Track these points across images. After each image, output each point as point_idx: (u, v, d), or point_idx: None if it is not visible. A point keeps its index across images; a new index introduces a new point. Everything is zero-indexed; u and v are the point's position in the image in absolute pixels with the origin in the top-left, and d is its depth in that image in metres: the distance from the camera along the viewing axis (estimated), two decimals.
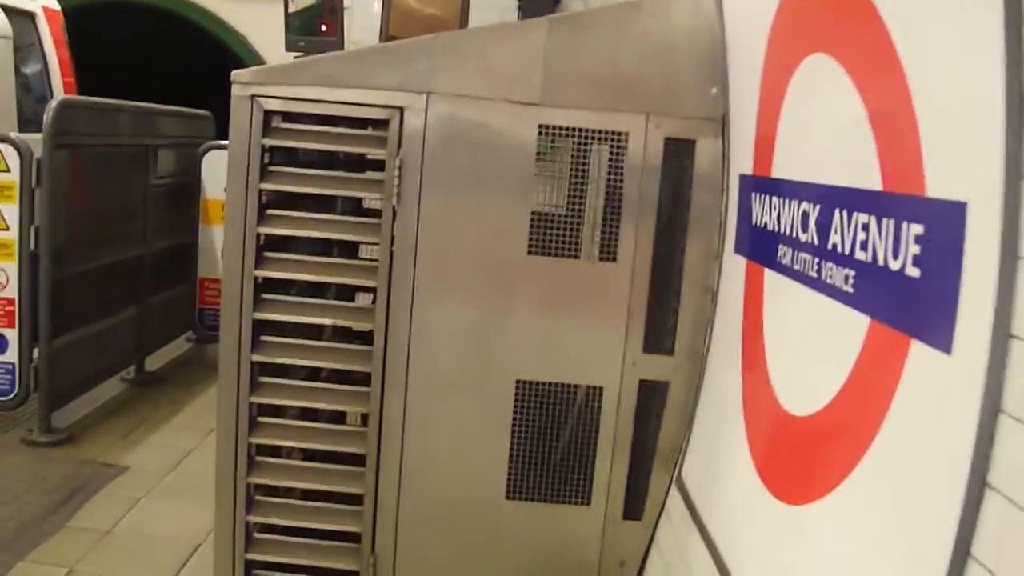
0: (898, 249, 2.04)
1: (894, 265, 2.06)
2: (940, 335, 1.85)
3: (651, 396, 3.64)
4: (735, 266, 3.30)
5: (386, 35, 8.23)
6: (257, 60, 13.93)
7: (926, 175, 1.94)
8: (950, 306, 1.82)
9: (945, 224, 1.85)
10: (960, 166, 1.83)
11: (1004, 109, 1.66)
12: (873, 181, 2.18)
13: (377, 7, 8.14)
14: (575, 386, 3.64)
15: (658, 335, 3.62)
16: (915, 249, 1.97)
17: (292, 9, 9.48)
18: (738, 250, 3.29)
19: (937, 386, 1.87)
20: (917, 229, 1.97)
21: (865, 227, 2.21)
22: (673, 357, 3.61)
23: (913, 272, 1.98)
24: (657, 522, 3.69)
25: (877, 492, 2.07)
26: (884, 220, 2.11)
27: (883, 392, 2.06)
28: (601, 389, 3.63)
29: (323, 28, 9.15)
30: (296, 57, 8.50)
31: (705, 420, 3.48)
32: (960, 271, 1.80)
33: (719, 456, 3.21)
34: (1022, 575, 1.60)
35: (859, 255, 2.24)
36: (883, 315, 2.12)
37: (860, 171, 2.23)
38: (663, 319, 3.61)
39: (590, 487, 3.68)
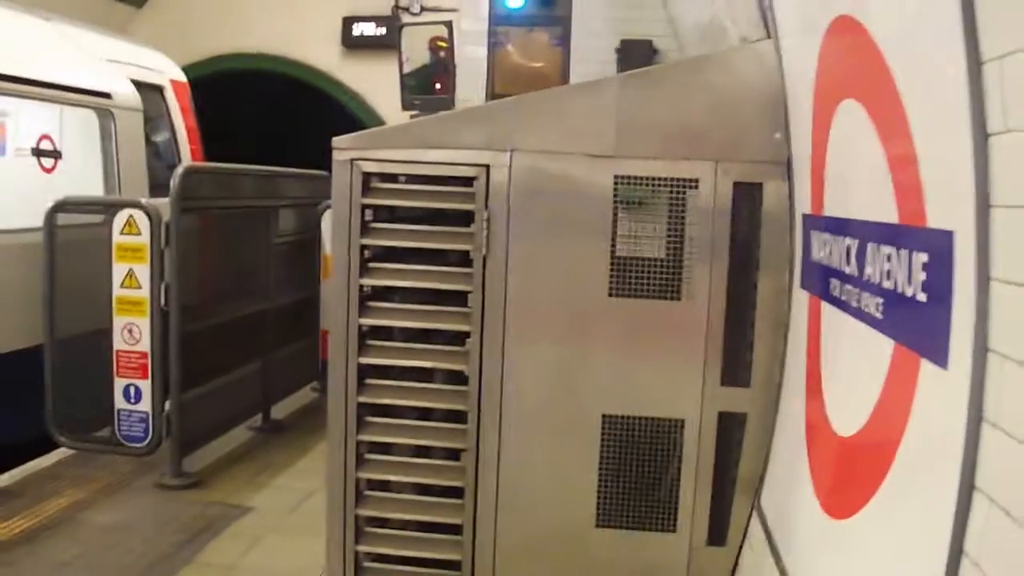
0: (911, 276, 2.23)
1: (909, 291, 2.25)
2: (940, 352, 2.04)
3: (730, 427, 3.83)
4: (800, 301, 3.48)
5: (492, 92, 8.59)
6: (375, 118, 14.48)
7: (927, 208, 2.14)
8: (945, 325, 2.01)
9: (940, 251, 2.05)
10: (947, 199, 2.03)
11: (972, 149, 1.86)
12: (892, 215, 2.37)
13: (484, 66, 8.52)
14: (658, 419, 3.84)
15: (735, 369, 3.81)
16: (922, 276, 2.17)
17: (407, 69, 9.93)
18: (803, 285, 3.47)
19: (938, 400, 2.06)
20: (923, 257, 2.16)
21: (889, 258, 2.40)
22: (750, 389, 3.79)
23: (922, 296, 2.17)
24: (740, 548, 3.85)
25: (899, 502, 2.26)
26: (901, 251, 2.31)
27: (903, 409, 2.25)
28: (683, 421, 3.83)
29: (437, 86, 9.57)
30: (412, 115, 8.93)
31: (780, 448, 3.65)
32: (952, 292, 1.99)
33: (788, 481, 3.38)
34: (1002, 566, 1.77)
35: (885, 284, 2.43)
36: (903, 338, 2.32)
37: (884, 207, 2.43)
38: (739, 353, 3.81)
39: (675, 515, 3.87)
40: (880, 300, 2.48)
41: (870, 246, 2.57)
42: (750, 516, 3.83)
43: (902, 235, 2.32)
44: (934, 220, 2.10)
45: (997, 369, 1.81)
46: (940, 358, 2.04)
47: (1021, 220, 1.73)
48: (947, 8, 1.93)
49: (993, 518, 1.79)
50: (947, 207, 2.04)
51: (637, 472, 3.87)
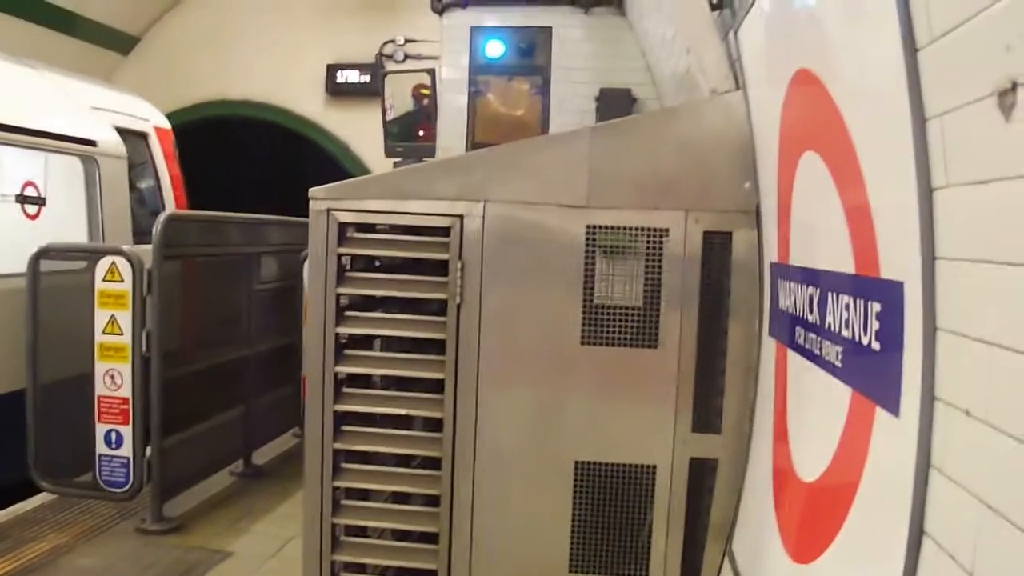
0: (867, 325, 2.29)
1: (864, 340, 2.31)
2: (892, 400, 2.10)
3: (702, 472, 3.87)
4: (769, 348, 3.54)
5: (473, 141, 8.69)
6: (359, 165, 14.59)
7: (880, 259, 2.20)
8: (897, 373, 2.06)
9: (892, 301, 2.10)
10: (897, 250, 2.09)
11: (918, 202, 1.92)
12: (849, 265, 2.43)
13: (465, 114, 8.61)
14: (630, 465, 3.88)
15: (706, 415, 3.86)
16: (876, 325, 2.22)
17: (391, 116, 10.04)
18: (771, 333, 3.53)
19: (891, 446, 2.10)
20: (876, 307, 2.22)
21: (847, 307, 2.46)
22: (721, 436, 3.83)
23: (876, 345, 2.23)
24: None
25: (856, 547, 2.30)
26: (858, 300, 2.37)
27: (860, 455, 2.30)
28: (655, 467, 3.87)
29: (420, 134, 9.67)
30: (395, 163, 9.01)
31: (749, 493, 3.69)
32: (903, 342, 2.04)
33: (757, 526, 3.42)
34: None
35: (844, 332, 2.49)
36: (860, 385, 2.37)
37: (842, 257, 2.49)
38: (710, 400, 3.85)
39: (648, 560, 3.90)
40: (839, 348, 2.54)
41: (830, 295, 2.63)
42: (722, 561, 3.86)
43: (858, 285, 2.38)
44: (887, 271, 2.16)
45: (943, 416, 1.86)
46: (892, 406, 2.09)
47: (963, 272, 1.79)
48: (894, 65, 2.00)
49: (940, 563, 1.84)
50: (897, 258, 2.10)
51: (610, 518, 3.91)
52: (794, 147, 3.03)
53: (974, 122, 1.69)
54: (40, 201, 9.09)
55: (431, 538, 4.01)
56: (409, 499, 4.18)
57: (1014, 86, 1.53)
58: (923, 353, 1.92)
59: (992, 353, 1.65)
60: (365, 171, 13.50)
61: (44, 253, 6.76)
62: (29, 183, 9.03)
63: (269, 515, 7.05)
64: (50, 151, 8.62)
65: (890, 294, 2.12)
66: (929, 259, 1.90)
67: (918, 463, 1.93)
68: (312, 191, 3.97)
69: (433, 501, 4.03)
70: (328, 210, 3.94)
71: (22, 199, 8.92)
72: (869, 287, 2.28)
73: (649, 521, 3.89)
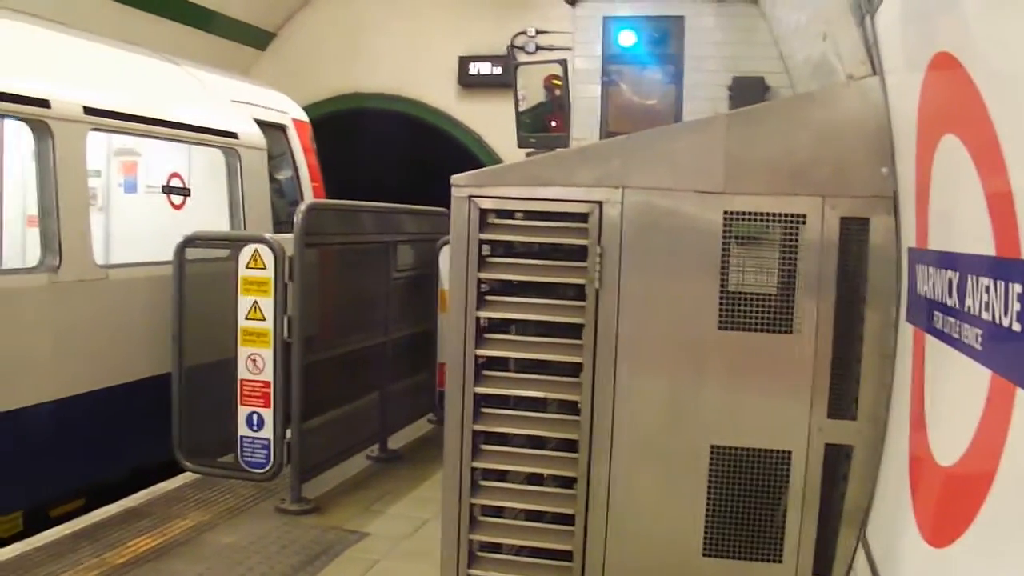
0: (1007, 306, 2.29)
1: (1005, 321, 2.31)
2: None
3: (837, 459, 3.87)
4: (906, 333, 3.52)
5: (606, 130, 8.74)
6: (491, 156, 14.75)
7: (1021, 241, 2.20)
8: None
9: None
10: None
11: None
12: (990, 248, 2.43)
13: (597, 104, 8.67)
14: (766, 450, 3.90)
15: (842, 401, 3.85)
16: (1017, 306, 2.22)
17: (523, 107, 10.15)
18: (908, 319, 3.52)
19: None
20: (1018, 288, 2.22)
21: (987, 289, 2.46)
22: (856, 422, 3.83)
23: (1016, 327, 2.23)
24: None
25: (996, 529, 2.31)
26: (998, 282, 2.37)
27: (1000, 437, 2.30)
28: (790, 453, 3.88)
29: (552, 124, 9.76)
30: (528, 153, 9.11)
31: (885, 480, 3.68)
32: None
33: (892, 512, 3.41)
34: None
35: (984, 315, 2.49)
36: (1000, 367, 2.37)
37: (982, 240, 2.49)
38: (846, 386, 3.85)
39: (782, 545, 3.92)
40: (979, 331, 2.54)
41: (970, 278, 2.63)
42: (856, 548, 3.86)
43: (999, 267, 2.38)
44: None
45: None
46: None
47: None
48: None
49: None
50: None
51: (744, 502, 3.94)
52: (933, 131, 3.02)
53: None
54: (185, 192, 9.49)
55: (566, 519, 4.09)
56: (545, 482, 4.28)
57: None
58: None
59: None
60: (497, 162, 13.64)
61: (190, 241, 7.07)
62: (174, 175, 9.43)
63: (404, 498, 7.25)
64: (193, 143, 8.98)
65: None
66: None
67: None
68: (454, 178, 4.08)
69: (569, 483, 4.12)
70: (470, 196, 4.05)
71: (168, 190, 9.33)
72: (1011, 268, 2.28)
73: (783, 507, 3.91)
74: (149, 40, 10.31)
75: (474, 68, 15.25)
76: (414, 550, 6.10)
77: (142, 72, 8.87)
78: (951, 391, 2.86)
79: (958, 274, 2.77)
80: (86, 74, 7.96)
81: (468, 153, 15.22)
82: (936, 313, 3.02)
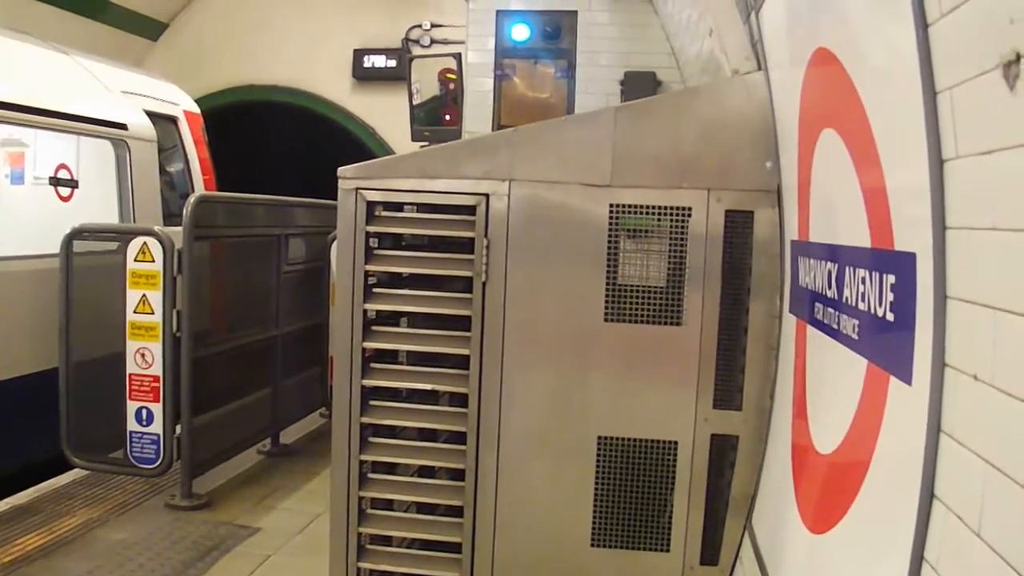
0: (881, 297, 2.34)
1: (879, 312, 2.36)
2: (905, 369, 2.14)
3: (723, 448, 3.92)
4: (789, 324, 3.59)
5: (498, 124, 8.74)
6: (386, 150, 14.68)
7: (894, 232, 2.25)
8: (910, 343, 2.11)
9: (905, 272, 2.15)
10: (910, 222, 2.14)
11: (929, 174, 1.97)
12: (865, 239, 2.48)
13: (490, 97, 8.67)
14: (652, 441, 3.93)
15: (727, 392, 3.91)
16: (890, 297, 2.27)
17: (417, 101, 10.09)
18: (791, 310, 3.58)
19: (904, 414, 2.16)
20: (891, 279, 2.27)
21: (863, 280, 2.51)
22: (741, 412, 3.88)
23: (890, 317, 2.28)
24: (733, 568, 3.94)
25: (869, 514, 2.36)
26: (873, 273, 2.42)
27: (875, 424, 2.35)
28: (676, 443, 3.92)
29: (446, 118, 9.72)
30: (422, 146, 9.06)
31: (769, 468, 3.74)
32: (915, 311, 2.09)
33: (776, 500, 3.47)
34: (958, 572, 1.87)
35: (860, 305, 2.54)
36: (875, 357, 2.42)
37: (859, 231, 2.54)
38: (732, 377, 3.90)
39: (669, 535, 3.96)
40: (856, 321, 2.59)
41: (848, 269, 2.68)
42: (742, 536, 3.92)
43: (874, 258, 2.43)
44: (900, 243, 2.22)
45: (952, 382, 1.92)
46: (905, 375, 2.14)
47: (972, 241, 1.84)
48: (906, 42, 2.04)
49: (950, 526, 1.89)
50: (910, 230, 2.15)
51: (632, 493, 3.97)
52: (813, 125, 3.08)
53: (981, 94, 1.74)
54: (73, 183, 9.24)
55: (455, 511, 4.08)
56: (434, 474, 4.26)
57: (1018, 58, 1.58)
58: (934, 321, 1.97)
59: (997, 318, 1.70)
60: (391, 155, 13.58)
61: (77, 234, 6.88)
62: (62, 166, 9.18)
63: (296, 493, 7.16)
64: (82, 135, 8.75)
65: (903, 265, 2.17)
66: (940, 229, 1.95)
67: (929, 429, 1.98)
68: (341, 170, 4.04)
69: (458, 475, 4.11)
70: (357, 189, 4.01)
71: (55, 181, 9.07)
72: (884, 260, 2.34)
73: (670, 497, 3.95)
74: (38, 28, 10.01)
75: (368, 61, 15.10)
76: (306, 545, 6.03)
77: (30, 61, 8.61)
78: (830, 381, 2.92)
79: (837, 266, 2.83)
80: None
81: (363, 146, 15.11)
82: (817, 304, 3.08)
